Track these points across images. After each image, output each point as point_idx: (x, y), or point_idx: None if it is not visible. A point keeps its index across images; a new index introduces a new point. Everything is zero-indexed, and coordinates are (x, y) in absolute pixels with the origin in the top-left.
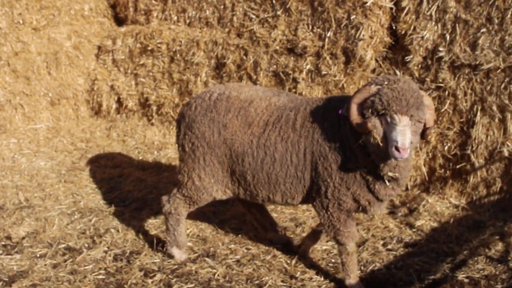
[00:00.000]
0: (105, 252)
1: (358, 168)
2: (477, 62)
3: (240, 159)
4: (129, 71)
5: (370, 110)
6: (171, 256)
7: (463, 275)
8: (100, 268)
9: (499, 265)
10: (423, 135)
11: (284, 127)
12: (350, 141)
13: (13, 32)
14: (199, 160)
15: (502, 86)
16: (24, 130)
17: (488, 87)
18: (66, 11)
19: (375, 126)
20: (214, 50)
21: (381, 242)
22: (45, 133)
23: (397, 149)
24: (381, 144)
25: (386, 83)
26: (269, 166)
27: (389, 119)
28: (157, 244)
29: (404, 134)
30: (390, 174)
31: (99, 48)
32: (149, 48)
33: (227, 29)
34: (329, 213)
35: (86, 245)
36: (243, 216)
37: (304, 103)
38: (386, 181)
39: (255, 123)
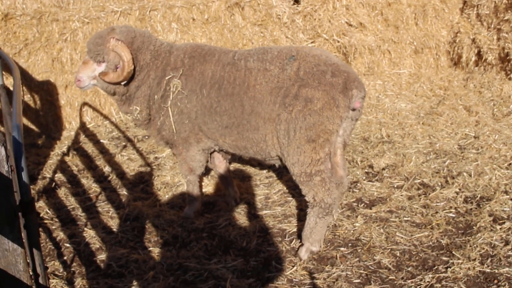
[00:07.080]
0: (457, 193)
1: None
2: None
3: None
4: (492, 26)
5: None
6: None
7: None
8: (451, 207)
9: None
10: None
11: None
12: None
13: None
14: None
15: None
16: (389, 73)
17: None
18: None
19: None
20: None
21: None
22: (407, 78)
23: None
24: None
25: None
26: None
27: None
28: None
29: (80, 68)
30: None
31: (464, 2)
32: None
33: None
34: None
35: (439, 184)
36: None
37: None
38: None
39: None
